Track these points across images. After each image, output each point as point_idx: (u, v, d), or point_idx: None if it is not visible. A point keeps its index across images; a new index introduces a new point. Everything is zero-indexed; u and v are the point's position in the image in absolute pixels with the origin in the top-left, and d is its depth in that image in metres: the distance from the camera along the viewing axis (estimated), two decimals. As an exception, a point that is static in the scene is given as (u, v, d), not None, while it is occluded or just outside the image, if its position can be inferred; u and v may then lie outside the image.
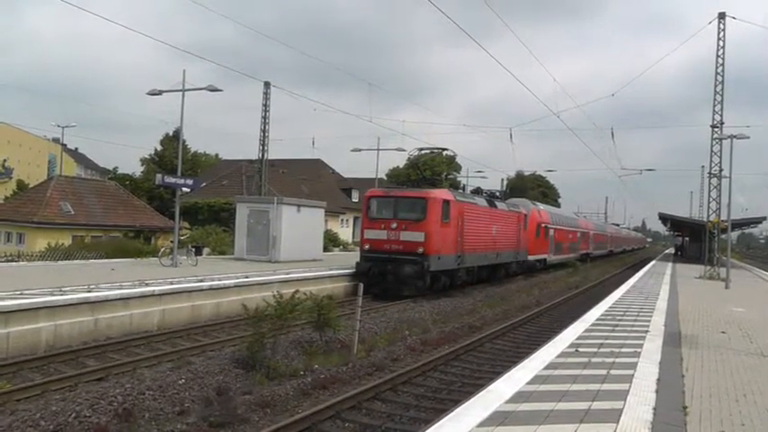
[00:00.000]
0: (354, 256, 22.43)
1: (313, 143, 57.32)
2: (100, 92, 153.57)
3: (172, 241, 21.42)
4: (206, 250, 27.80)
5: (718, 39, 28.61)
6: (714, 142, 29.08)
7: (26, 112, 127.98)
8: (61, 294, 11.87)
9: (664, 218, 54.40)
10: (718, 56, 28.71)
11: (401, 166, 51.05)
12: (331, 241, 40.19)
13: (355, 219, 55.11)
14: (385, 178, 52.59)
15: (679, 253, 67.43)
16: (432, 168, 47.77)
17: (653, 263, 44.96)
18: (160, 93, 20.64)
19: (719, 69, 28.76)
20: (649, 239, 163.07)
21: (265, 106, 35.16)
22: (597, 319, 13.06)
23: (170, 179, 20.73)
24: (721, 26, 28.52)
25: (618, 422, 5.82)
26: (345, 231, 55.62)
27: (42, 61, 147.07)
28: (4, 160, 66.39)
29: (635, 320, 13.03)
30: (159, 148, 60.95)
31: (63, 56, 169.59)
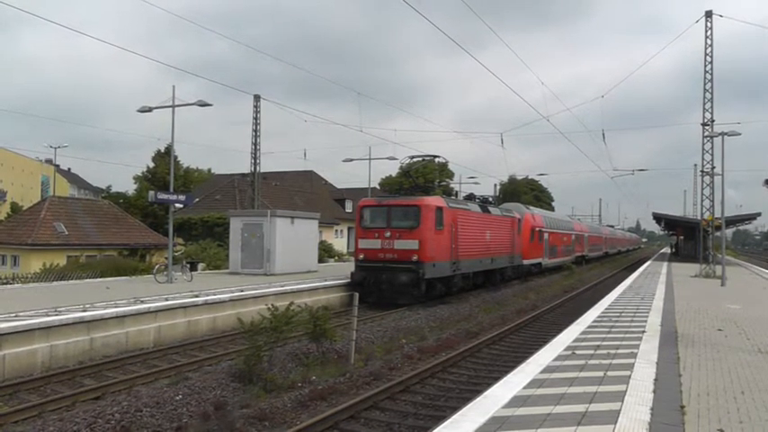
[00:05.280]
0: (349, 267, 22.41)
1: (305, 155, 57.67)
2: (93, 112, 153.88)
3: (167, 258, 21.38)
4: (201, 265, 27.75)
5: (706, 37, 28.86)
6: (705, 140, 29.26)
7: (19, 134, 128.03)
8: (56, 315, 11.82)
9: (658, 217, 54.61)
10: (706, 54, 28.95)
11: (393, 175, 51.12)
12: (326, 252, 40.25)
13: (349, 229, 55.12)
14: (378, 187, 52.65)
15: (674, 251, 67.70)
16: (424, 176, 47.83)
17: (648, 263, 45.09)
18: (150, 110, 20.64)
19: (708, 68, 29.01)
20: (644, 240, 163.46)
21: (256, 119, 35.23)
22: (594, 321, 13.07)
23: (163, 195, 20.72)
24: (708, 24, 28.81)
25: (616, 423, 5.81)
26: (340, 242, 55.62)
27: (36, 83, 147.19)
28: (-2, 183, 66.35)
29: (631, 321, 13.04)
30: (151, 165, 60.79)
31: (58, 77, 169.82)
